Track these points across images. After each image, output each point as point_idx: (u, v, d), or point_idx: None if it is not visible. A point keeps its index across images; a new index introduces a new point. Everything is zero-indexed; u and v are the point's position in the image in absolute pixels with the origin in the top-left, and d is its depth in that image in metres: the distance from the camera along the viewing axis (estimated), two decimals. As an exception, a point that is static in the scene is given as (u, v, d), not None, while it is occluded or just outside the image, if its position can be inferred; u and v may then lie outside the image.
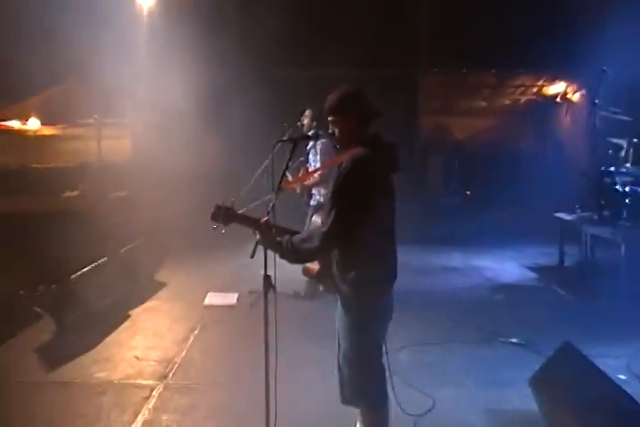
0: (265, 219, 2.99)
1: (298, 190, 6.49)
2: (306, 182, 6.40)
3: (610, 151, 7.78)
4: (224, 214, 3.09)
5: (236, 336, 5.48)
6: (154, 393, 4.31)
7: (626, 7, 8.98)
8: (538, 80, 12.57)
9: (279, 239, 3.00)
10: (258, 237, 3.00)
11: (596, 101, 7.42)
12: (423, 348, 5.13)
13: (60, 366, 4.78)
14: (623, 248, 6.58)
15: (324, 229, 2.89)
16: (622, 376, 4.41)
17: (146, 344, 5.35)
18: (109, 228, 6.90)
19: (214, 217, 3.10)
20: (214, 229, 3.17)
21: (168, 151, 8.55)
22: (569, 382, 3.44)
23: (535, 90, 12.88)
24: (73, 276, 5.88)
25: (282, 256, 3.01)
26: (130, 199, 7.94)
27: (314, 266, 3.15)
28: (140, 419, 3.93)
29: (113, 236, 6.95)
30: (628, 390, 3.21)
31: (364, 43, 10.23)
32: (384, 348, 3.15)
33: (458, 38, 10.35)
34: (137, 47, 8.08)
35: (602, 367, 3.50)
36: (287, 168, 3.14)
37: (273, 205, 3.01)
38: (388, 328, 3.17)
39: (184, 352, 5.13)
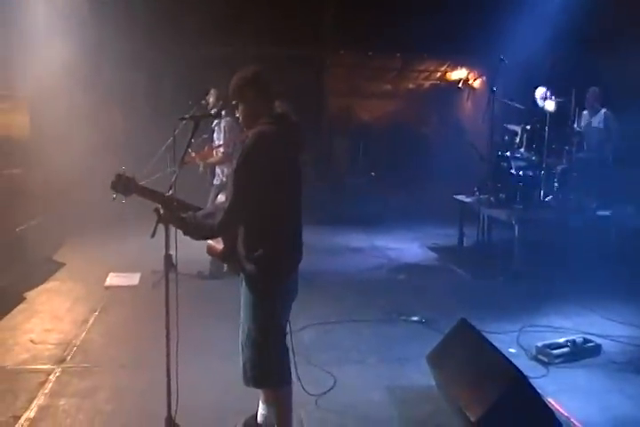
0: (169, 193, 2.91)
1: (201, 168, 6.40)
2: (209, 160, 6.33)
3: (506, 137, 8.14)
4: (125, 184, 2.95)
5: (137, 317, 5.37)
6: (50, 377, 4.14)
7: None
8: (441, 66, 12.90)
9: (183, 215, 2.93)
10: (161, 212, 2.87)
11: (494, 89, 7.72)
12: (326, 327, 5.21)
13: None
14: (517, 229, 6.93)
15: (227, 204, 2.86)
16: (512, 350, 4.68)
17: (43, 327, 5.13)
18: (2, 207, 6.54)
19: (114, 186, 2.94)
20: (113, 199, 3.01)
21: (70, 126, 8.16)
22: (463, 357, 3.61)
23: (439, 75, 13.21)
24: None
25: (185, 233, 2.93)
26: (26, 176, 7.51)
27: (218, 245, 3.10)
28: (34, 405, 3.75)
29: (6, 215, 6.60)
30: (517, 363, 3.40)
31: (271, 23, 10.15)
32: (288, 327, 3.17)
33: (364, 21, 10.45)
34: (33, 13, 7.60)
35: (494, 342, 3.70)
36: (189, 145, 3.09)
37: (175, 178, 2.94)
38: (293, 308, 3.20)
39: (84, 334, 4.97)
